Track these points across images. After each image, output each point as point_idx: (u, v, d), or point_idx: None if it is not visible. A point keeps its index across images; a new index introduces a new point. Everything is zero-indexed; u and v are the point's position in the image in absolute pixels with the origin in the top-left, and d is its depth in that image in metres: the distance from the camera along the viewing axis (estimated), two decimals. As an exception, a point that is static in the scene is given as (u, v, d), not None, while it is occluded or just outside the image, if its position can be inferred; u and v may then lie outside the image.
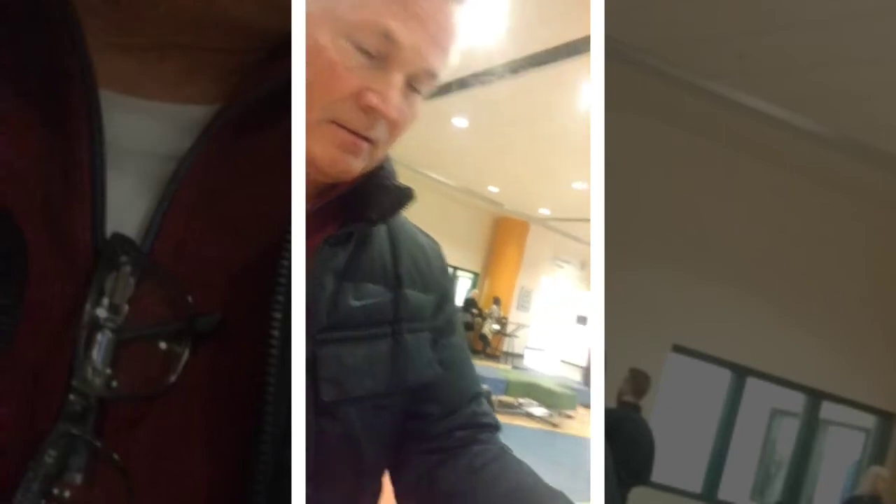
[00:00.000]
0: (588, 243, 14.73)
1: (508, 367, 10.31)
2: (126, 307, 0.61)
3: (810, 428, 4.61)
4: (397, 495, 0.75)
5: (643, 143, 3.86)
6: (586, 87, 4.62)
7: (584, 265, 14.67)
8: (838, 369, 4.35)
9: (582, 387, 9.68)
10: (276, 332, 0.61)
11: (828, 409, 4.58)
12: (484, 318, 11.41)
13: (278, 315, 0.61)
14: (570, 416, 7.41)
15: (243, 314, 0.63)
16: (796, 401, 4.61)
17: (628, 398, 3.26)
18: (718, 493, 4.46)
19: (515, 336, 12.24)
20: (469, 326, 10.77)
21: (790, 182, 4.19)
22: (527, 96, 5.41)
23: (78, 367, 0.60)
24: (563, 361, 13.64)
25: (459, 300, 11.21)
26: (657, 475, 3.25)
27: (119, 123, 0.63)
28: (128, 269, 0.61)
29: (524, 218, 12.05)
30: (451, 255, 1.38)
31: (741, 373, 4.45)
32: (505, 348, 12.05)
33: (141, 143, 0.63)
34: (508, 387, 7.21)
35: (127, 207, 0.63)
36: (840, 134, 3.60)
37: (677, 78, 3.49)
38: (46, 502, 0.59)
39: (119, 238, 0.62)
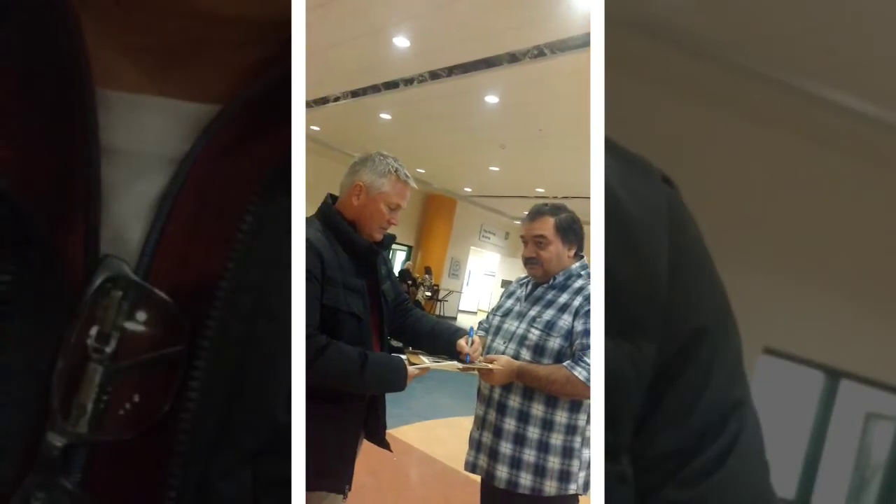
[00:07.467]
0: (510, 217, 15.16)
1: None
2: (117, 336, 0.59)
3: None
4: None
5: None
6: (490, 96, 6.65)
7: (508, 235, 17.60)
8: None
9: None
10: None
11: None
12: (417, 286, 12.57)
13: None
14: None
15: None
16: (892, 404, 4.35)
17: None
18: (812, 499, 4.27)
19: (446, 301, 14.26)
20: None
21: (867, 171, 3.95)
22: (441, 98, 6.91)
23: (66, 400, 0.58)
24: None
25: (396, 271, 13.11)
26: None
27: (119, 123, 0.62)
28: (118, 294, 0.59)
29: (451, 195, 13.86)
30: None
31: (835, 375, 4.25)
32: (437, 312, 13.54)
33: (141, 143, 0.62)
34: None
35: (126, 208, 0.62)
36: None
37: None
38: None
39: (111, 262, 0.60)
